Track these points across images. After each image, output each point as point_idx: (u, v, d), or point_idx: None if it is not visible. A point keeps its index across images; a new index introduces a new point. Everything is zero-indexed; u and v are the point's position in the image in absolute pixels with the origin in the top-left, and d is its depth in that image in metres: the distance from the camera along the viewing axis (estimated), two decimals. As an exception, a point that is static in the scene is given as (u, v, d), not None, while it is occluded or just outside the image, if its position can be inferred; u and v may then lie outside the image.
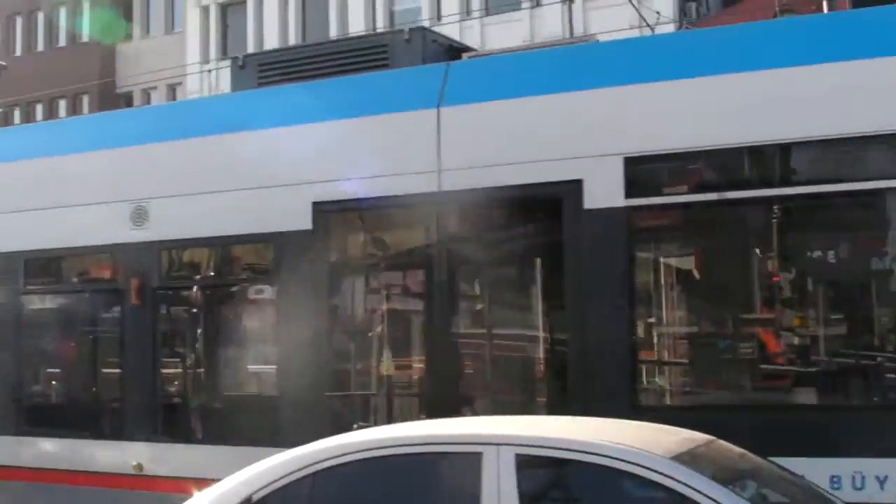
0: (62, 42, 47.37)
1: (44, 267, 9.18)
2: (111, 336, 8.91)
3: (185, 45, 43.87)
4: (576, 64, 7.41)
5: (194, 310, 8.63)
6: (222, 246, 8.23)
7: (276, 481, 4.95)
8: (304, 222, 7.67)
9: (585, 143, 6.92)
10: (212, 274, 8.63)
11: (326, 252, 7.72)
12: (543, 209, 7.24)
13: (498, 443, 4.69)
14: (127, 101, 45.36)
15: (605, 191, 6.77)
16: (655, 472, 4.45)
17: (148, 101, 45.18)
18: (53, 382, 8.92)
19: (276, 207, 7.80)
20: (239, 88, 8.78)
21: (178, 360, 8.61)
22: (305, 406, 7.53)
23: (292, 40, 41.50)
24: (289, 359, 7.80)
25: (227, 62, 40.50)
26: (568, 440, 4.71)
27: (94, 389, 9.08)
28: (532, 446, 4.74)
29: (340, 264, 7.93)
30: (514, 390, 7.98)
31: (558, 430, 5.04)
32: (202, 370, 8.61)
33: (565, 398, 6.87)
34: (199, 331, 8.66)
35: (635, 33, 21.29)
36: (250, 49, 41.86)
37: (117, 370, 8.67)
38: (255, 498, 4.92)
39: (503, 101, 7.29)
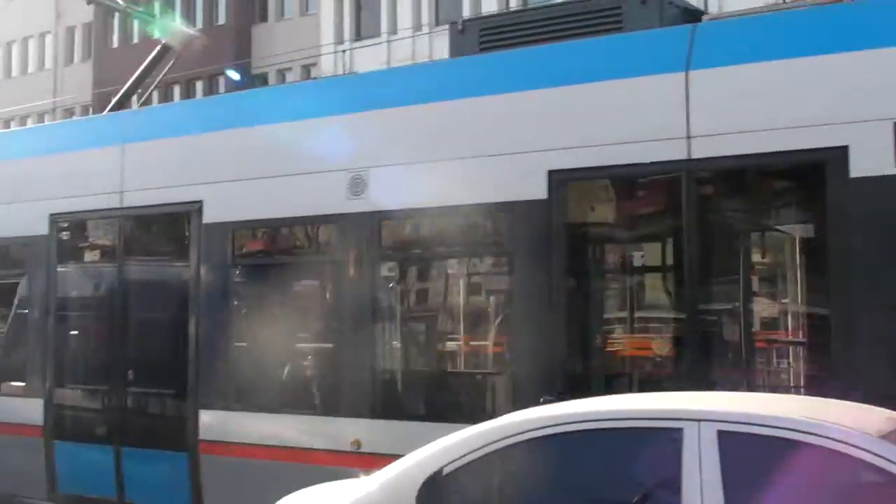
0: (199, 24, 47.84)
1: (258, 236, 9.00)
2: (329, 308, 8.72)
3: (319, 25, 43.92)
4: (834, 24, 6.90)
5: (414, 282, 8.36)
6: (447, 216, 7.88)
7: (466, 455, 4.90)
8: (539, 191, 7.31)
9: (851, 107, 6.42)
10: (435, 246, 8.32)
11: (562, 222, 7.33)
12: (803, 178, 6.79)
13: (700, 419, 4.56)
14: (262, 82, 45.71)
15: (873, 158, 6.27)
16: (867, 451, 4.28)
17: (283, 82, 45.46)
18: (265, 356, 8.74)
19: (508, 176, 7.45)
20: (458, 54, 8.44)
21: (398, 333, 8.32)
22: (527, 382, 7.21)
23: (425, 20, 41.31)
24: (515, 334, 7.49)
25: (362, 43, 41.25)
26: (775, 417, 4.54)
27: (310, 364, 8.91)
28: (736, 423, 4.58)
29: (577, 235, 7.52)
30: (770, 370, 7.52)
31: (762, 407, 4.84)
32: (423, 345, 8.33)
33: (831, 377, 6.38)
34: (420, 304, 8.39)
35: None
36: (382, 30, 41.89)
37: (334, 344, 8.46)
38: (445, 471, 4.90)
39: (756, 64, 6.80)
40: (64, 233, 10.23)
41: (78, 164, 10.14)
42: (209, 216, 8.92)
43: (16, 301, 10.67)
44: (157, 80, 12.49)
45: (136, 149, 9.69)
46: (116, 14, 49.26)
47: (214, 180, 8.96)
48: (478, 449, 4.90)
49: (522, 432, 4.87)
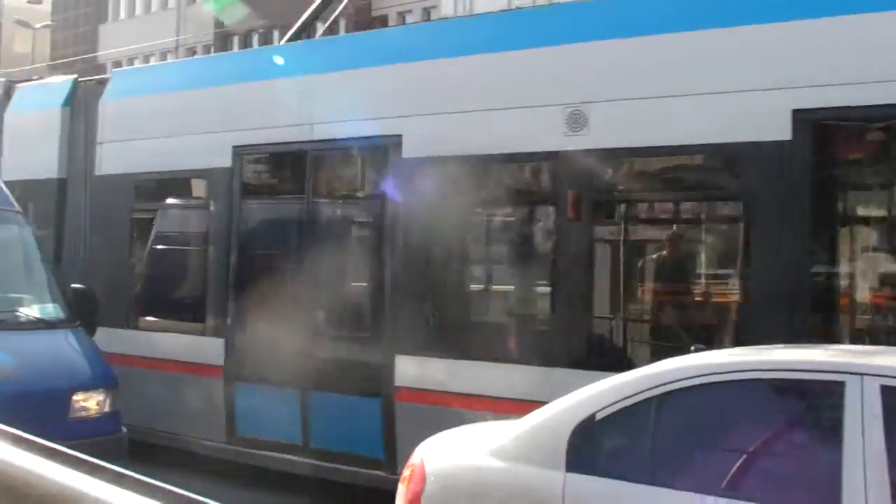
0: (320, -36, 47.45)
1: (461, 172, 8.46)
2: (539, 253, 8.21)
3: (440, -34, 43.25)
4: None
5: (636, 227, 7.82)
6: (672, 155, 7.31)
7: (620, 401, 4.85)
8: (782, 132, 6.67)
9: None
10: (659, 187, 7.72)
11: (807, 166, 6.68)
12: None
13: (863, 372, 4.40)
14: (382, 24, 45.33)
15: None
16: None
17: (404, 24, 45.05)
18: (469, 301, 8.29)
19: (748, 114, 6.81)
20: None
21: (619, 283, 7.73)
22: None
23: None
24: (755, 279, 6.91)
25: (484, -16, 40.62)
26: None
27: (518, 311, 8.45)
28: None
29: (823, 181, 6.86)
30: None
31: None
32: (644, 295, 7.80)
33: None
34: (638, 252, 7.83)
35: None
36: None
37: (544, 291, 7.95)
38: (598, 416, 4.86)
39: None
40: (248, 166, 9.84)
41: (263, 95, 9.73)
42: (409, 150, 8.43)
43: (194, 235, 10.43)
44: (334, 14, 11.90)
45: (327, 79, 9.24)
46: (238, -47, 49.37)
47: (415, 113, 8.46)
48: (631, 395, 4.83)
49: (677, 380, 4.78)
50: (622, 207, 7.83)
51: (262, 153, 9.86)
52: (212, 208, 10.00)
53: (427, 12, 44.18)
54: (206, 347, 9.72)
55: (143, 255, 10.77)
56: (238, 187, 9.73)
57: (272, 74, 9.82)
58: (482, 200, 8.47)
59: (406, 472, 5.41)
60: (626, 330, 7.71)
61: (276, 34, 47.67)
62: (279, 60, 10.14)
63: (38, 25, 47.89)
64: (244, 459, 9.36)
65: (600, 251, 7.76)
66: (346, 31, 44.94)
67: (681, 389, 4.74)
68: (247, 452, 9.32)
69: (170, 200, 10.90)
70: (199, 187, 10.36)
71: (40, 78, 14.47)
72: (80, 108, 11.28)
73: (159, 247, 10.67)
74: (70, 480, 2.20)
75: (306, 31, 10.99)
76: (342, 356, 8.93)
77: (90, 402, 7.86)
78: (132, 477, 2.11)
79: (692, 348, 5.78)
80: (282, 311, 9.27)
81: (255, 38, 48.65)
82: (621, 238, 7.70)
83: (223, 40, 49.45)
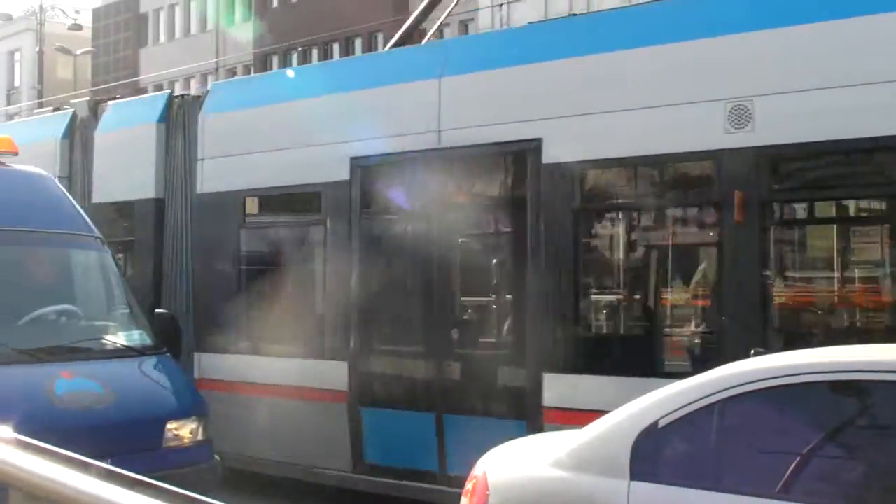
0: (358, -20, 47.49)
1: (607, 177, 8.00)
2: (706, 262, 7.67)
3: (478, -21, 43.13)
4: None
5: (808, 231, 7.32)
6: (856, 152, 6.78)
7: (682, 407, 4.77)
8: None
9: None
10: (839, 185, 7.19)
11: None
12: None
13: None
14: (420, 38, 45.07)
15: None
16: None
17: (441, 38, 44.82)
18: (621, 314, 7.81)
19: None
20: None
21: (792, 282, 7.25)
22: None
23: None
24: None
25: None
26: None
27: (669, 322, 7.90)
28: None
29: None
30: None
31: None
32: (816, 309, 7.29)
33: None
34: (816, 261, 7.35)
35: None
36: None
37: (710, 301, 7.43)
38: (661, 423, 4.79)
39: None
40: (367, 178, 9.31)
41: (381, 102, 9.25)
42: (549, 155, 7.92)
43: (309, 253, 9.97)
44: (441, 18, 11.48)
45: (455, 82, 8.72)
46: (276, -27, 49.42)
47: (556, 115, 7.95)
48: (695, 401, 4.75)
49: (741, 384, 4.69)
50: (794, 208, 7.32)
51: (383, 164, 9.28)
52: (329, 224, 9.47)
53: (465, 25, 44.02)
54: (327, 371, 9.21)
55: (252, 276, 10.30)
56: (358, 201, 9.23)
57: (390, 80, 9.33)
58: (628, 206, 7.97)
59: (468, 486, 5.39)
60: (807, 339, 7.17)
61: (315, 52, 47.68)
62: (398, 65, 9.66)
63: (79, 52, 47.91)
64: (371, 488, 8.89)
65: (773, 255, 7.22)
66: (384, 45, 44.75)
67: (745, 394, 4.67)
68: (375, 481, 8.85)
69: (281, 217, 10.40)
70: (314, 202, 9.71)
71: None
72: (177, 123, 10.78)
73: (270, 266, 10.20)
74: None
75: (410, 38, 10.55)
76: (482, 376, 8.41)
77: (183, 431, 7.68)
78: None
79: (752, 352, 5.57)
80: (412, 331, 8.82)
81: (295, 57, 48.63)
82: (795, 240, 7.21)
83: (263, 60, 49.45)
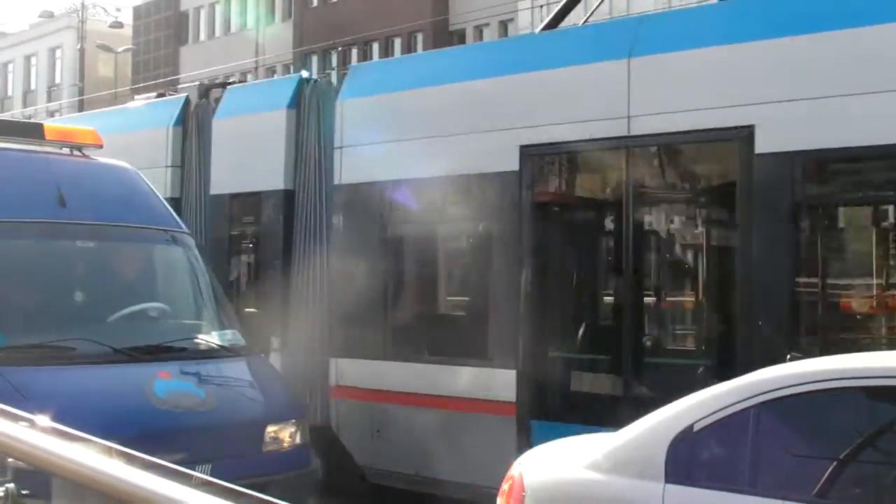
0: (398, -20, 47.64)
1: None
2: None
3: (517, -20, 43.11)
4: None
5: None
6: None
7: (718, 411, 4.83)
8: None
9: None
10: None
11: None
12: None
13: None
14: (459, 38, 45.26)
15: None
16: None
17: (480, 39, 44.92)
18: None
19: None
20: None
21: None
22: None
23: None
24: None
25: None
26: None
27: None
28: None
29: None
30: None
31: None
32: None
33: None
34: None
35: None
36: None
37: None
38: (696, 427, 4.85)
39: None
40: (540, 168, 8.55)
41: (558, 85, 8.38)
42: (763, 144, 7.08)
43: (469, 249, 9.36)
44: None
45: (648, 63, 7.83)
46: (316, -28, 49.64)
47: (774, 100, 7.13)
48: (730, 405, 4.80)
49: (776, 388, 4.75)
50: None
51: (557, 152, 8.40)
52: (493, 218, 8.65)
53: (504, 25, 44.02)
54: (491, 380, 8.35)
55: (402, 275, 9.64)
56: (528, 193, 8.34)
57: (570, 61, 8.41)
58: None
59: (504, 486, 5.43)
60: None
61: (354, 51, 47.80)
62: (579, 43, 8.73)
63: (119, 49, 48.37)
64: None
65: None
66: (424, 46, 45.10)
67: (780, 398, 4.73)
68: None
69: (435, 211, 9.25)
70: (474, 194, 8.79)
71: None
72: (310, 109, 9.87)
73: (422, 264, 9.54)
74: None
75: (562, 20, 9.63)
76: (683, 386, 7.90)
77: (283, 435, 7.47)
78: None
79: (788, 357, 5.61)
80: (590, 336, 8.18)
81: (334, 57, 48.81)
82: None
83: (302, 60, 49.67)
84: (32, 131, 8.31)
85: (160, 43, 57.89)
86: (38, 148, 8.21)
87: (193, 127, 10.97)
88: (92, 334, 7.20)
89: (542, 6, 41.57)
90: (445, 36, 45.19)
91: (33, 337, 7.08)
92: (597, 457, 5.20)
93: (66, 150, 8.40)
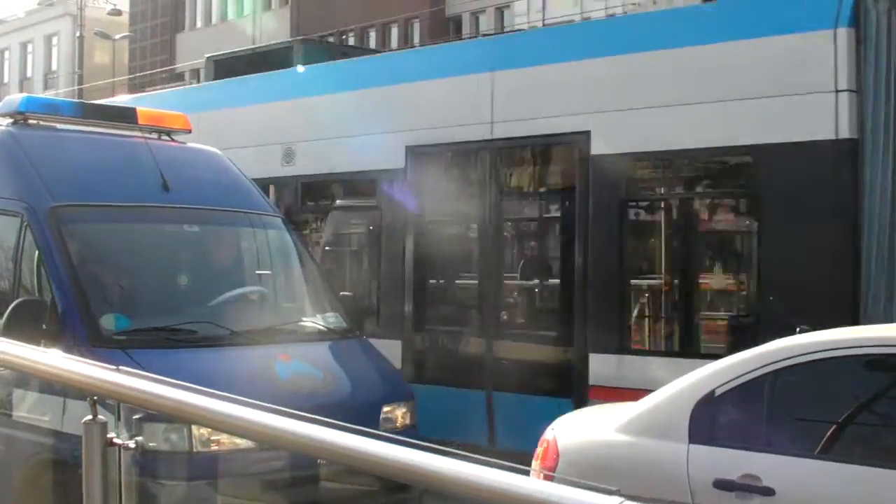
0: (395, -34, 47.72)
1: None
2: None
3: (512, -33, 43.26)
4: None
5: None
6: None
7: (737, 378, 5.19)
8: None
9: None
10: None
11: None
12: None
13: None
14: (456, 24, 45.40)
15: None
16: None
17: (476, 25, 45.06)
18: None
19: None
20: None
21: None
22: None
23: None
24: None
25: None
26: None
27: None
28: None
29: None
30: None
31: None
32: None
33: None
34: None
35: None
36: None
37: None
38: (717, 392, 5.21)
39: None
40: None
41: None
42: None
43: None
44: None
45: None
46: (312, -41, 49.68)
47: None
48: (748, 372, 5.16)
49: (790, 357, 5.11)
50: None
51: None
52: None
53: (500, 12, 44.16)
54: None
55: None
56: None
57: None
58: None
59: (539, 450, 5.79)
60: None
61: (351, 39, 47.97)
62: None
63: (117, 37, 48.40)
64: None
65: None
66: (421, 33, 45.29)
67: (793, 366, 5.08)
68: None
69: None
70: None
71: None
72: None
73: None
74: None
75: None
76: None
77: (396, 415, 7.54)
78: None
79: (797, 329, 5.81)
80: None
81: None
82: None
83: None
84: (126, 116, 8.34)
85: (157, 30, 57.86)
86: (132, 133, 8.27)
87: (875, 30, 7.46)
88: (206, 317, 7.28)
89: (537, -7, 41.76)
90: (442, 23, 45.38)
91: (152, 320, 7.17)
92: (625, 420, 5.59)
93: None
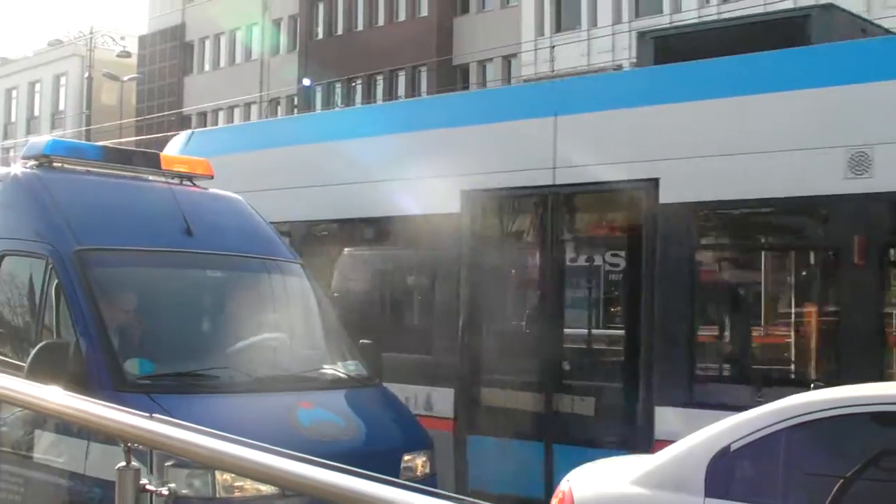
0: (401, 16, 48.12)
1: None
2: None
3: (520, 17, 43.57)
4: None
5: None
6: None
7: (753, 433, 5.23)
8: None
9: None
10: None
11: None
12: None
13: None
14: (463, 73, 45.74)
15: None
16: None
17: (483, 74, 45.38)
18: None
19: None
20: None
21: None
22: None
23: (625, 16, 40.49)
24: None
25: (562, 35, 40.45)
26: None
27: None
28: None
29: None
30: None
31: None
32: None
33: None
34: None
35: None
36: (583, 24, 40.97)
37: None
38: (733, 447, 5.25)
39: None
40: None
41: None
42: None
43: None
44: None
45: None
46: (321, 6, 50.12)
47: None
48: (764, 427, 5.21)
49: (806, 413, 5.16)
50: None
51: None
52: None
53: (507, 62, 44.46)
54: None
55: None
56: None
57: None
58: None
59: (554, 501, 5.83)
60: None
61: (359, 86, 48.27)
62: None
63: (125, 78, 48.74)
64: None
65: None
66: (428, 80, 45.56)
67: (809, 421, 5.13)
68: None
69: None
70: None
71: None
72: None
73: None
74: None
75: None
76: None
77: (416, 463, 7.51)
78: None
79: (812, 385, 5.85)
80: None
81: (338, 89, 49.25)
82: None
83: (306, 93, 50.08)
84: (150, 161, 8.40)
85: (165, 72, 58.22)
86: (155, 178, 8.33)
87: None
88: (229, 363, 7.30)
89: (551, 47, 42.10)
90: (449, 71, 45.70)
91: (176, 365, 7.18)
92: (641, 473, 5.62)
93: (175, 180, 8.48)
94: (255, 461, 3.03)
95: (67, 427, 6.02)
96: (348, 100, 48.25)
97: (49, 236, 7.30)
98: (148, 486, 3.44)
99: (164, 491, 3.56)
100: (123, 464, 3.36)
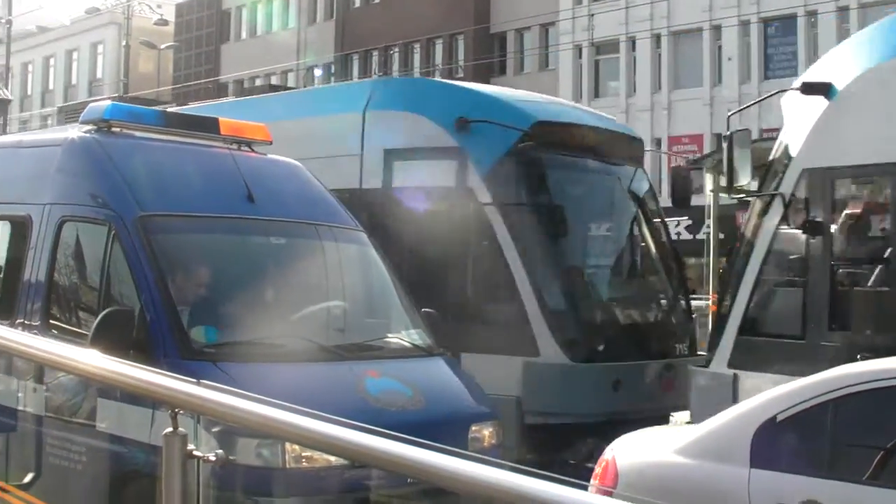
0: (440, -17, 47.93)
1: None
2: None
3: (558, -16, 43.28)
4: None
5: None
6: None
7: (799, 404, 5.24)
8: None
9: None
10: None
11: None
12: None
13: None
14: (500, 41, 45.55)
15: None
16: None
17: (521, 42, 45.17)
18: None
19: None
20: None
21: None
22: None
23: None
24: None
25: (599, 2, 39.93)
26: None
27: None
28: None
29: None
30: None
31: None
32: None
33: None
34: None
35: None
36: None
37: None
38: (779, 417, 5.27)
39: None
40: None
41: None
42: None
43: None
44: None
45: None
46: (359, -27, 50.00)
47: None
48: (810, 398, 5.22)
49: (853, 384, 5.16)
50: None
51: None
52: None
53: (545, 29, 44.18)
54: None
55: None
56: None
57: None
58: None
59: (598, 469, 5.87)
60: None
61: (396, 54, 48.20)
62: None
63: (162, 46, 48.86)
64: None
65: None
66: (465, 49, 45.37)
67: (856, 393, 5.13)
68: None
69: None
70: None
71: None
72: None
73: None
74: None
75: None
76: None
77: (484, 434, 7.34)
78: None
79: (858, 357, 5.86)
80: None
81: (375, 58, 49.17)
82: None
83: (343, 61, 50.06)
84: (209, 126, 8.26)
85: (202, 40, 58.34)
86: (214, 143, 8.22)
87: None
88: (293, 331, 7.20)
89: (591, 15, 41.77)
90: (486, 39, 45.52)
91: (241, 333, 7.08)
92: (685, 443, 5.66)
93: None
94: (303, 427, 3.00)
95: (132, 396, 5.82)
96: (385, 68, 48.17)
97: (111, 202, 7.21)
98: (195, 452, 3.40)
99: (212, 457, 3.54)
100: (170, 429, 3.32)
